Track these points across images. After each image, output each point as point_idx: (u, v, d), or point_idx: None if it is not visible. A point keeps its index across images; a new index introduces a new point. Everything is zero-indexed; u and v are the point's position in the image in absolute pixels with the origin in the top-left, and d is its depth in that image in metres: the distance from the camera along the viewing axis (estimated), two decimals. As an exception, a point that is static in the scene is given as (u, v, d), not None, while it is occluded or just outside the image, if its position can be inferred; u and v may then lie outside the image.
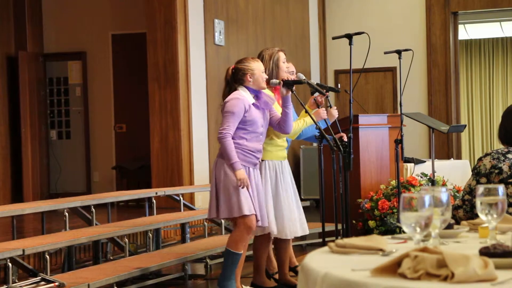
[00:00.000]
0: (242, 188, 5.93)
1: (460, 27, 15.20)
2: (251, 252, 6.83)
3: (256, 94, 6.19)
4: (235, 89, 6.16)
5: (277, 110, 6.48)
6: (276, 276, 6.85)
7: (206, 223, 9.11)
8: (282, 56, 6.62)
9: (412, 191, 8.09)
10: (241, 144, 6.03)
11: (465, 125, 9.22)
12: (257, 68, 6.20)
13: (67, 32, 13.06)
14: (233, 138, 6.02)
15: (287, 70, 6.64)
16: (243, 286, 6.39)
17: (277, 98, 6.57)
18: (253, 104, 6.12)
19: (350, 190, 6.38)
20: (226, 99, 6.10)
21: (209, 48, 11.03)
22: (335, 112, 6.59)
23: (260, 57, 6.52)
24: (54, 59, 13.11)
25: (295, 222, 6.44)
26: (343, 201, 6.25)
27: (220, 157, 6.06)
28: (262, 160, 6.37)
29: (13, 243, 6.68)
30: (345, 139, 6.32)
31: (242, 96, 6.09)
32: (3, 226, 8.61)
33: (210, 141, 10.81)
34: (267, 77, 6.31)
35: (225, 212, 6.05)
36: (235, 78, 6.19)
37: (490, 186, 2.91)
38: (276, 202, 6.37)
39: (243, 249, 6.24)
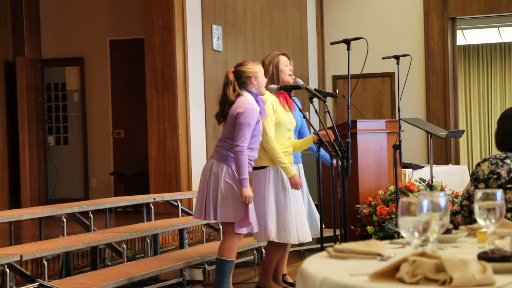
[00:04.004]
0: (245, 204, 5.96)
1: (458, 33, 15.21)
2: (246, 258, 6.83)
3: (256, 99, 6.16)
4: (239, 93, 6.09)
5: (281, 113, 6.45)
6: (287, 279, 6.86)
7: (204, 229, 9.11)
8: (283, 59, 6.60)
9: (410, 196, 8.08)
10: (248, 154, 6.02)
11: (463, 131, 9.22)
12: (260, 71, 6.17)
13: (65, 37, 13.05)
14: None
15: (290, 72, 6.62)
16: None
17: (281, 102, 6.54)
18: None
19: (348, 195, 6.36)
20: (240, 109, 6.02)
21: (207, 53, 11.03)
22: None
23: (262, 63, 6.51)
24: (52, 65, 13.10)
25: (297, 228, 6.44)
26: (342, 207, 6.24)
27: (222, 161, 6.04)
28: (264, 167, 6.36)
29: (11, 249, 6.67)
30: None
31: (254, 105, 6.05)
32: (0, 232, 8.60)
33: (208, 146, 10.80)
34: (266, 80, 6.30)
35: (223, 216, 6.05)
36: (239, 82, 6.12)
37: (489, 191, 2.91)
38: (281, 208, 6.37)
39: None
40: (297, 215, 6.41)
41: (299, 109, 6.45)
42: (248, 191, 5.94)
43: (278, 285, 6.66)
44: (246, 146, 5.94)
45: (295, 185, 6.34)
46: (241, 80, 6.10)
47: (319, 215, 6.59)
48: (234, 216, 6.04)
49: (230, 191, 6.00)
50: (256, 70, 6.14)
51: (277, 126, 6.41)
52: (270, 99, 6.42)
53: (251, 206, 6.06)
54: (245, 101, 6.05)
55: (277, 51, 6.79)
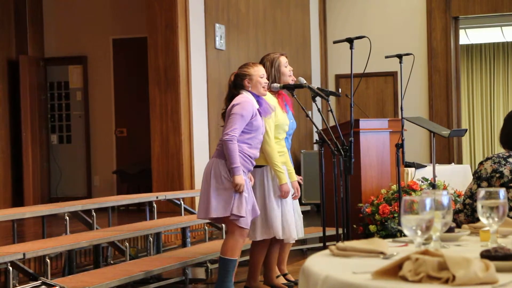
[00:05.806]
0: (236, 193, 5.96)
1: (461, 32, 15.21)
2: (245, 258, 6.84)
3: (258, 99, 6.20)
4: (236, 95, 6.17)
5: (279, 115, 6.48)
6: (281, 279, 6.85)
7: (206, 227, 9.11)
8: (283, 60, 6.62)
9: (413, 195, 8.07)
10: (243, 149, 6.03)
11: (466, 130, 9.22)
12: (255, 73, 6.20)
13: (68, 36, 13.06)
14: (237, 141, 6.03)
15: (290, 72, 6.65)
16: None
17: (280, 103, 6.57)
18: (257, 109, 6.14)
19: (350, 194, 6.37)
20: (235, 101, 6.09)
21: (210, 52, 11.03)
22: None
23: (262, 63, 6.53)
24: (55, 64, 13.11)
25: (293, 226, 6.46)
26: (344, 206, 6.25)
27: (222, 158, 6.06)
28: (262, 166, 6.37)
29: (14, 247, 6.68)
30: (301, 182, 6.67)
31: (250, 100, 6.10)
32: (3, 230, 8.61)
33: (211, 145, 10.81)
34: (267, 82, 6.31)
35: (220, 211, 6.04)
36: (235, 84, 6.22)
37: (491, 189, 2.91)
38: (269, 207, 6.40)
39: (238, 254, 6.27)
40: (285, 214, 6.42)
41: (303, 108, 6.44)
42: (240, 179, 5.94)
43: (265, 286, 6.68)
44: (236, 136, 5.96)
45: (285, 193, 6.35)
46: (238, 81, 6.20)
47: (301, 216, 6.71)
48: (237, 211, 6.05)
49: (231, 187, 6.01)
50: (251, 72, 6.20)
51: (275, 127, 6.44)
52: (272, 100, 6.44)
53: (248, 202, 6.06)
54: (243, 96, 6.12)
55: (277, 52, 6.83)
